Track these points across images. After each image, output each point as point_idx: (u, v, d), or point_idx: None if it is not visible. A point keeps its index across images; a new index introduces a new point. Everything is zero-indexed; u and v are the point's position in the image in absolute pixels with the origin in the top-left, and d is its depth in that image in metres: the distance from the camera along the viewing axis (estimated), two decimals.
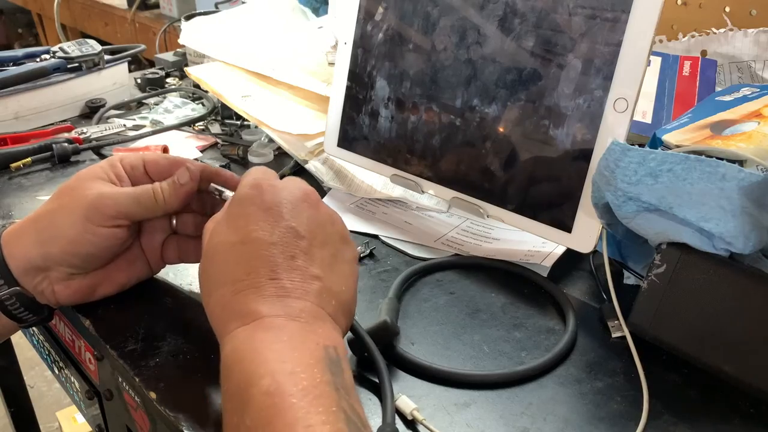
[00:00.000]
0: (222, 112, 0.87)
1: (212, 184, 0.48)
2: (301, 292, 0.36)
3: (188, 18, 1.02)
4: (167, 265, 0.53)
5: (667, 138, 0.50)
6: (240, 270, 0.37)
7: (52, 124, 0.85)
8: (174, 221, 0.50)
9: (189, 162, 0.48)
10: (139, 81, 0.98)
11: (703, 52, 0.78)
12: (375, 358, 0.43)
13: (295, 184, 0.42)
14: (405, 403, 0.41)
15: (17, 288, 0.45)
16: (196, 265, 0.56)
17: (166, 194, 0.46)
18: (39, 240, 0.45)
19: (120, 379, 0.49)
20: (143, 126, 0.85)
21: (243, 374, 0.33)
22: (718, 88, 0.69)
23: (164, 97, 0.94)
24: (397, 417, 0.41)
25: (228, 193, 0.47)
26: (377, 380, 0.43)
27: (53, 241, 0.44)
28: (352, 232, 0.61)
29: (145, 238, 0.50)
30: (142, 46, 0.97)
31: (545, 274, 0.56)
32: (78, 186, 0.45)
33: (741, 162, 0.44)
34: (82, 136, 0.79)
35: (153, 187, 0.46)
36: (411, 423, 0.41)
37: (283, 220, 0.38)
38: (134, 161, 0.48)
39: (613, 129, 0.50)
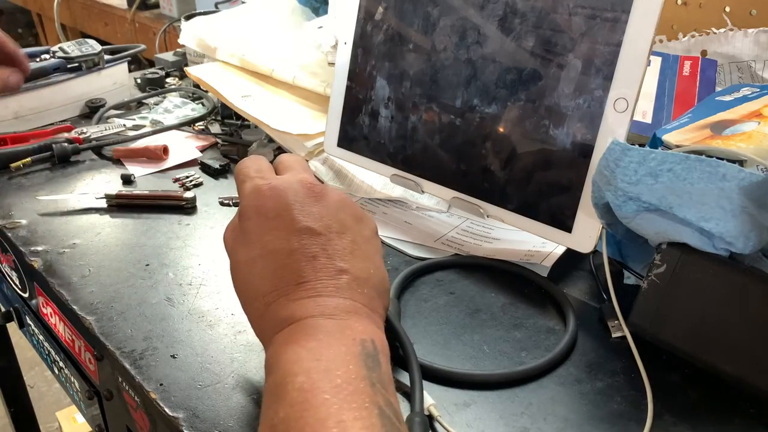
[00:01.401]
0: (222, 112, 0.87)
1: (220, 197, 0.47)
2: (332, 289, 0.36)
3: (188, 18, 1.02)
4: (164, 264, 0.53)
5: (667, 138, 0.50)
6: (266, 284, 0.37)
7: (52, 124, 0.85)
8: None
9: None
10: (139, 81, 0.99)
11: (703, 52, 0.78)
12: (405, 346, 0.44)
13: (296, 178, 0.41)
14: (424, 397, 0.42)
15: None
16: (196, 265, 0.57)
17: None
18: None
19: (120, 379, 0.49)
20: (143, 126, 0.85)
21: (279, 373, 0.33)
22: (718, 88, 0.69)
23: (164, 97, 0.94)
24: None
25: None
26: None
27: None
28: None
29: None
30: (142, 46, 0.98)
31: (545, 274, 0.56)
32: None
33: (741, 162, 0.44)
34: (82, 136, 0.79)
35: None
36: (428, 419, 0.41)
37: (296, 222, 0.38)
38: None
39: (613, 129, 0.50)
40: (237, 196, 0.44)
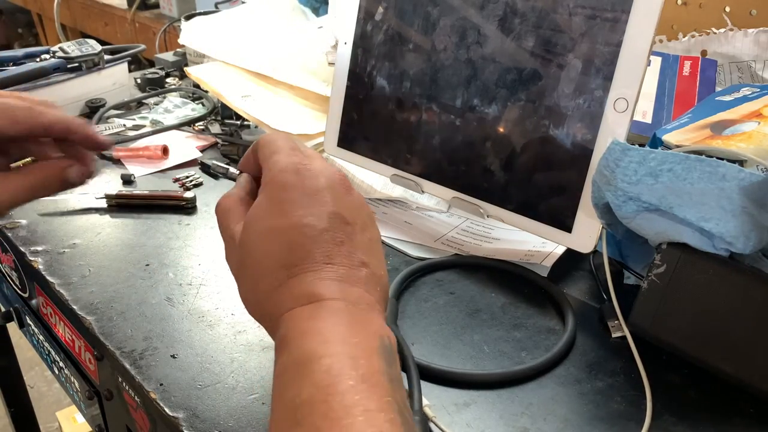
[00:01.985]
0: (222, 112, 0.87)
1: (214, 161, 0.46)
2: (355, 279, 0.36)
3: (188, 18, 1.02)
4: (164, 264, 0.53)
5: (667, 138, 0.50)
6: (294, 255, 0.36)
7: None
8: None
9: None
10: (139, 81, 0.99)
11: (703, 52, 0.78)
12: (401, 347, 0.44)
13: (329, 167, 0.41)
14: None
15: None
16: (196, 265, 0.57)
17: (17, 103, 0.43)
18: None
19: (120, 379, 0.49)
20: (143, 126, 0.85)
21: (303, 350, 0.32)
22: (718, 88, 0.69)
23: (164, 97, 0.94)
24: None
25: (233, 170, 0.45)
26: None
27: None
28: None
29: None
30: (142, 46, 0.97)
31: (545, 274, 0.56)
32: None
33: (741, 162, 0.44)
34: None
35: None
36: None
37: (329, 205, 0.38)
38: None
39: (613, 129, 0.50)
40: (223, 165, 0.44)
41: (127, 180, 0.72)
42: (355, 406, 0.29)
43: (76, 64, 0.87)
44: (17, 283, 0.66)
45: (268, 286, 0.36)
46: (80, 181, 0.46)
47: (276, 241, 0.37)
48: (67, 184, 0.46)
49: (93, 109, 0.88)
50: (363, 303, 0.35)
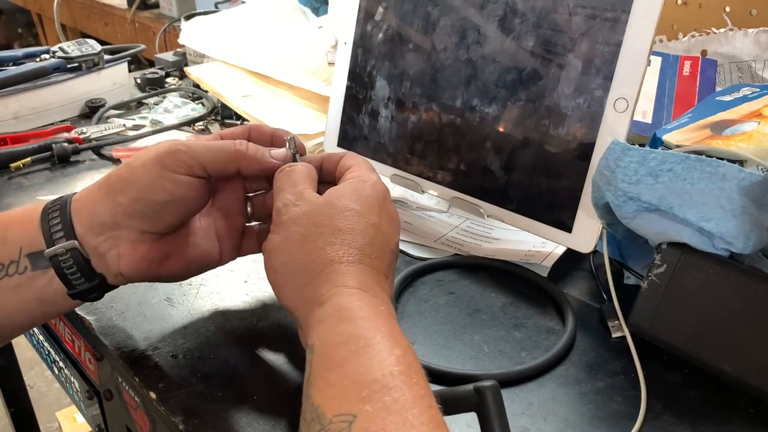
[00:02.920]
0: (222, 112, 0.87)
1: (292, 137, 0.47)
2: (389, 285, 0.40)
3: (188, 18, 1.03)
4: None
5: (667, 138, 0.50)
6: (371, 250, 0.39)
7: (52, 124, 0.85)
8: (250, 208, 0.48)
9: (295, 138, 0.47)
10: (139, 81, 0.98)
11: (704, 52, 0.78)
12: None
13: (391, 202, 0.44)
14: None
15: (75, 242, 0.41)
16: None
17: (245, 148, 0.44)
18: (109, 192, 0.42)
19: (120, 379, 0.49)
20: (143, 126, 0.85)
21: (372, 331, 0.34)
22: (718, 88, 0.69)
23: (164, 97, 0.94)
24: None
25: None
26: None
27: (124, 189, 0.41)
28: None
29: (220, 219, 0.47)
30: (142, 46, 0.98)
31: (545, 274, 0.56)
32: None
33: (741, 162, 0.44)
34: (81, 136, 0.79)
35: (233, 141, 0.44)
36: None
37: (397, 235, 0.43)
38: (237, 131, 0.48)
39: (613, 129, 0.50)
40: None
41: None
42: (422, 399, 0.31)
43: (76, 64, 0.87)
44: None
45: (339, 254, 0.38)
46: None
47: (353, 222, 0.40)
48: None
49: (93, 109, 0.88)
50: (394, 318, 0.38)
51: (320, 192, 0.43)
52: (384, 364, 0.31)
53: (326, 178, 0.46)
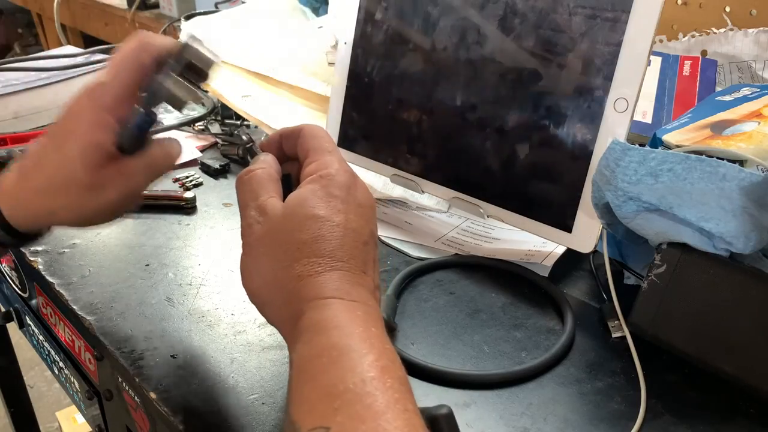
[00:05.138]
0: (222, 112, 0.87)
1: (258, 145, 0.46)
2: (375, 299, 0.38)
3: (188, 18, 1.02)
4: (164, 264, 0.53)
5: (667, 138, 0.50)
6: (342, 252, 0.37)
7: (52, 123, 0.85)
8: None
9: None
10: None
11: (704, 52, 0.78)
12: None
13: (365, 186, 0.42)
14: None
15: None
16: (196, 265, 0.57)
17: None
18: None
19: (120, 379, 0.49)
20: None
21: (346, 339, 0.33)
22: (718, 88, 0.69)
23: None
24: None
25: (256, 149, 0.45)
26: None
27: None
28: None
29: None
30: None
31: (546, 274, 0.56)
32: None
33: (741, 162, 0.44)
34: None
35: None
36: None
37: (370, 223, 0.40)
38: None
39: (613, 129, 0.50)
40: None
41: None
42: (397, 403, 0.30)
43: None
44: (17, 283, 0.66)
45: (304, 269, 0.37)
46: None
47: (324, 232, 0.38)
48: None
49: None
50: (381, 323, 0.37)
51: (286, 170, 0.42)
52: (356, 371, 0.31)
53: (289, 154, 0.45)
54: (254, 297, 0.39)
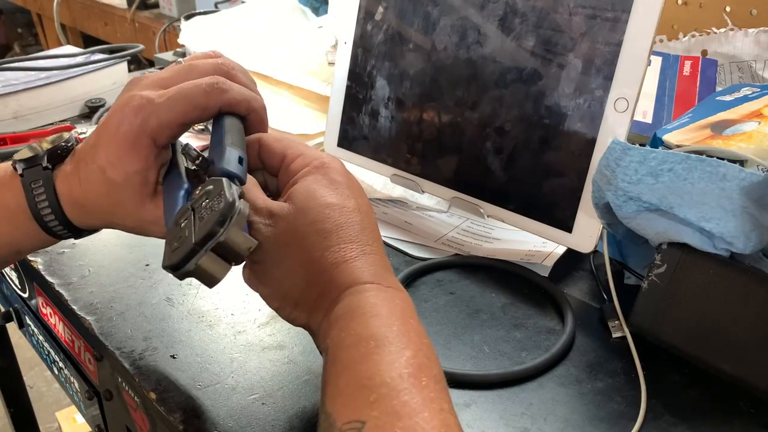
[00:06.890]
0: None
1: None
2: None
3: (188, 18, 1.02)
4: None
5: (667, 138, 0.50)
6: (365, 236, 0.38)
7: (52, 123, 0.85)
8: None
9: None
10: None
11: (704, 52, 0.78)
12: None
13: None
14: None
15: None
16: None
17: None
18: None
19: (119, 379, 0.49)
20: None
21: (384, 330, 0.33)
22: (718, 88, 0.69)
23: None
24: None
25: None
26: None
27: None
28: None
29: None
30: (141, 46, 0.97)
31: (546, 274, 0.56)
32: None
33: (741, 162, 0.44)
34: (81, 136, 0.79)
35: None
36: None
37: (370, 207, 0.41)
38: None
39: (613, 129, 0.50)
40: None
41: None
42: (432, 402, 0.30)
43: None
44: (17, 283, 0.66)
45: (341, 254, 0.36)
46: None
47: (347, 218, 0.38)
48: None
49: (93, 109, 0.88)
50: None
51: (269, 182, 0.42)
52: (393, 366, 0.31)
53: (268, 167, 0.44)
54: (284, 300, 0.38)
